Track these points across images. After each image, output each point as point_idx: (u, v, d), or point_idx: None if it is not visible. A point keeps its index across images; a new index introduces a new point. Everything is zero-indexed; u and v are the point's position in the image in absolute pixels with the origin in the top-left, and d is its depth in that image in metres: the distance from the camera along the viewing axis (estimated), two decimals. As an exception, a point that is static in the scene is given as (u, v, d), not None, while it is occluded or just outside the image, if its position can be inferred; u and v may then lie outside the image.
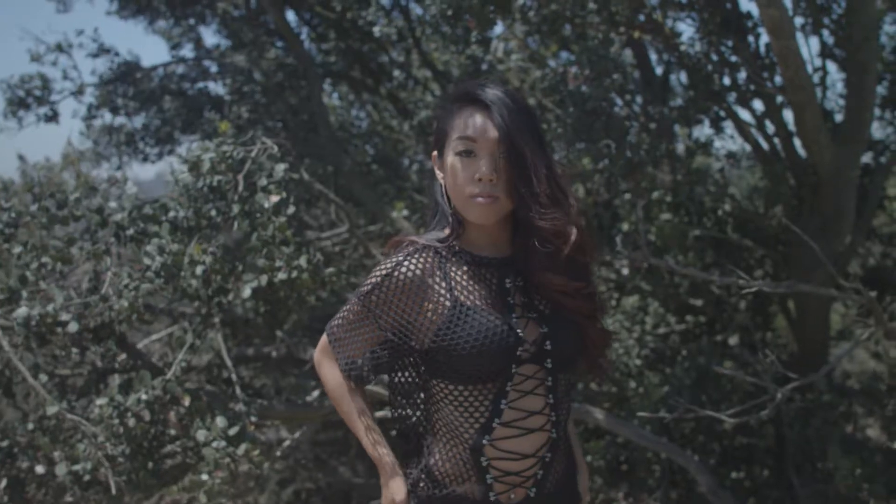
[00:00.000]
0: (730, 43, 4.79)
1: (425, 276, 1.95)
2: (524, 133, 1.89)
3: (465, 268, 1.96)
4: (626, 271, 5.71)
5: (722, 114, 5.31)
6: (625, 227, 5.03)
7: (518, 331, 1.89)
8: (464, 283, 1.95)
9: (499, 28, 5.43)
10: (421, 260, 1.96)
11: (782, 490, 5.50)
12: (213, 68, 8.03)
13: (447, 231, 2.00)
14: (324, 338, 2.10)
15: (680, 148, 5.55)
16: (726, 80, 4.99)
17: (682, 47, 4.79)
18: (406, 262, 1.96)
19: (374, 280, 1.97)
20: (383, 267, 1.97)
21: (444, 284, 1.94)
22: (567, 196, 1.92)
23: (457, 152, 1.92)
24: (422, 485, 1.97)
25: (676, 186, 5.15)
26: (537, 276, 1.93)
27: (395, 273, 1.95)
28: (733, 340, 5.95)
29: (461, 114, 1.95)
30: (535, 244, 1.90)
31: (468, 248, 1.99)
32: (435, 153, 2.04)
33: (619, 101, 5.03)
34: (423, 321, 1.93)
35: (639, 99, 5.53)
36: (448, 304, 1.91)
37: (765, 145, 5.39)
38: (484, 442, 1.89)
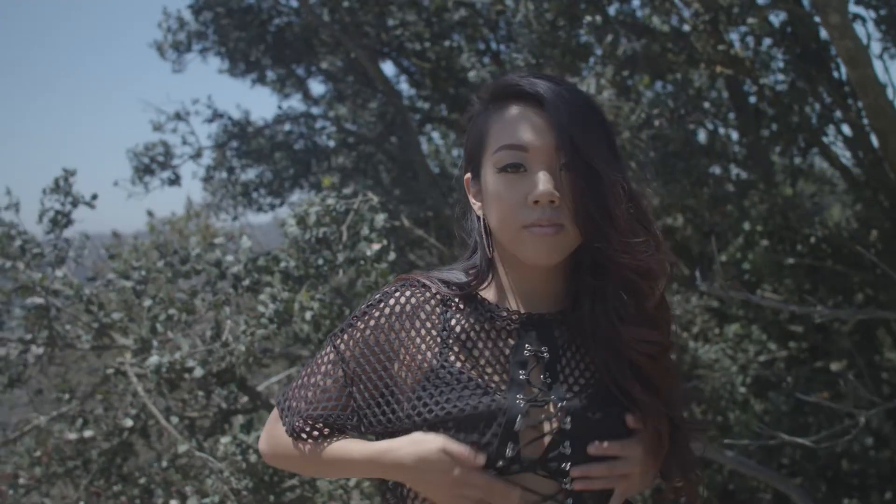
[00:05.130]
0: (812, 72, 4.84)
1: (407, 319, 1.43)
2: (592, 136, 1.34)
3: (475, 322, 1.41)
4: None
5: (810, 141, 5.33)
6: (722, 258, 5.09)
7: (517, 415, 1.31)
8: (462, 340, 1.40)
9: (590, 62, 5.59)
10: (412, 298, 1.45)
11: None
12: (319, 124, 8.45)
13: (471, 274, 1.46)
14: (273, 412, 1.56)
15: (776, 176, 5.59)
16: (812, 108, 5.03)
17: (762, 80, 4.87)
18: (387, 300, 1.45)
19: (349, 320, 1.48)
20: (364, 305, 1.48)
21: (432, 336, 1.41)
22: (651, 222, 1.39)
23: (500, 168, 1.36)
24: None
25: (770, 215, 5.19)
26: (613, 332, 1.36)
27: (373, 311, 1.45)
28: (836, 366, 5.88)
29: (503, 115, 1.40)
30: (610, 287, 1.37)
31: (495, 298, 1.44)
32: (468, 176, 1.48)
33: (702, 136, 5.12)
34: (397, 381, 1.42)
35: (731, 129, 5.60)
36: (430, 363, 1.39)
37: (855, 171, 5.38)
38: None
